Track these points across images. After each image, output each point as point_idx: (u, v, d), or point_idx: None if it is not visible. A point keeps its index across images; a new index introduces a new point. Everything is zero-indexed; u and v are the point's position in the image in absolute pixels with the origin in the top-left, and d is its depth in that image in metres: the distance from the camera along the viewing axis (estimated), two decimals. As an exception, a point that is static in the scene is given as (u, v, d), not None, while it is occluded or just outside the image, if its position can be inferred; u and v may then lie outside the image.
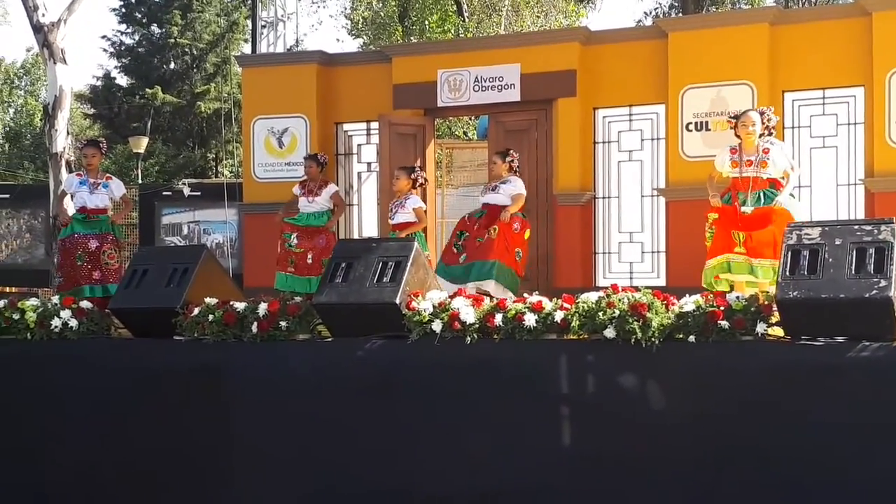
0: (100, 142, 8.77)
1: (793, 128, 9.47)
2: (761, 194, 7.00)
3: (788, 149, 7.97)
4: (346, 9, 24.74)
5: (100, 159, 8.53)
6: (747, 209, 6.94)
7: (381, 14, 23.34)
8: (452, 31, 21.12)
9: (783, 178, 7.13)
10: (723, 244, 7.03)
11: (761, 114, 7.24)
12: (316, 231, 8.94)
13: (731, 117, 7.46)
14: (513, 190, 8.29)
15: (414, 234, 8.54)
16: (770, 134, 7.29)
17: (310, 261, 8.80)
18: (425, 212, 8.96)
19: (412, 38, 21.43)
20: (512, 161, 8.46)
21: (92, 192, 8.30)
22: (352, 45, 27.51)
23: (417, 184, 8.86)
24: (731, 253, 6.98)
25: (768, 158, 7.09)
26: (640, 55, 10.03)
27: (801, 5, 26.88)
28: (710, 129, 9.60)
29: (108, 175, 8.63)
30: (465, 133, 21.43)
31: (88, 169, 8.47)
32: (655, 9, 29.88)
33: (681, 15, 25.65)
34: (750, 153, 7.14)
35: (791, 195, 7.25)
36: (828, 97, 9.47)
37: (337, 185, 10.64)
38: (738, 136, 7.29)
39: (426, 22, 21.55)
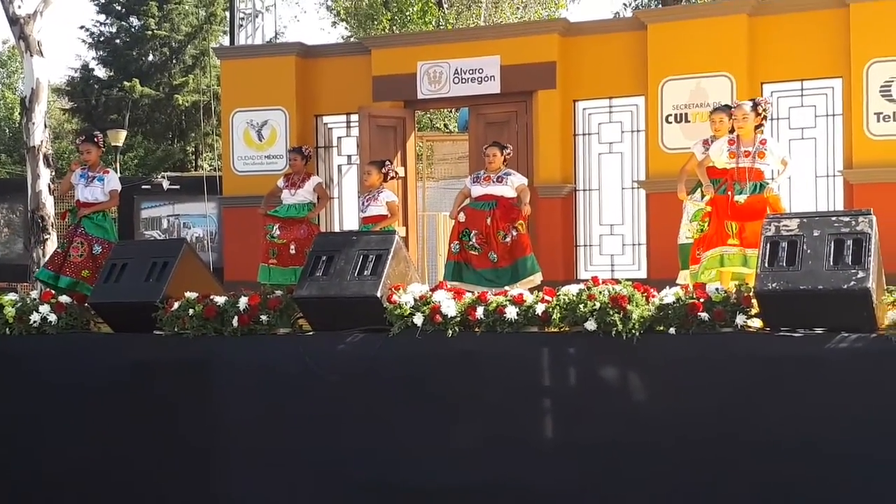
0: (94, 135, 8.71)
1: (772, 119, 9.48)
2: (756, 185, 6.97)
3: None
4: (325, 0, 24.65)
5: (98, 153, 8.44)
6: (741, 198, 6.92)
7: (364, 3, 23.26)
8: (433, 23, 21.09)
9: (781, 166, 7.12)
10: (716, 236, 6.99)
11: (755, 105, 7.17)
12: (297, 222, 8.95)
13: (726, 106, 7.55)
14: (519, 181, 8.32)
15: (387, 228, 8.53)
16: (765, 120, 7.28)
17: (293, 251, 8.80)
18: (398, 206, 8.95)
19: (394, 28, 21.38)
20: (509, 154, 8.52)
21: (87, 186, 8.29)
22: (334, 34, 27.44)
23: (388, 178, 8.85)
24: (724, 245, 6.92)
25: (766, 149, 7.06)
26: (619, 47, 10.05)
27: (779, -3, 26.92)
28: (689, 121, 9.63)
29: (105, 169, 8.57)
30: (445, 125, 21.42)
31: (87, 163, 8.43)
32: (634, 0, 29.90)
33: (660, 6, 25.68)
34: (748, 144, 7.09)
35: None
36: (806, 88, 9.51)
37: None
38: (733, 128, 7.26)
39: (407, 13, 21.51)
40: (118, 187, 8.46)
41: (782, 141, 9.45)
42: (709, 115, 7.99)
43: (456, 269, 8.09)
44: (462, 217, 8.26)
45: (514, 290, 5.79)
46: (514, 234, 8.13)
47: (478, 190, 8.33)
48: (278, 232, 8.88)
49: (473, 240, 8.11)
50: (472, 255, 8.11)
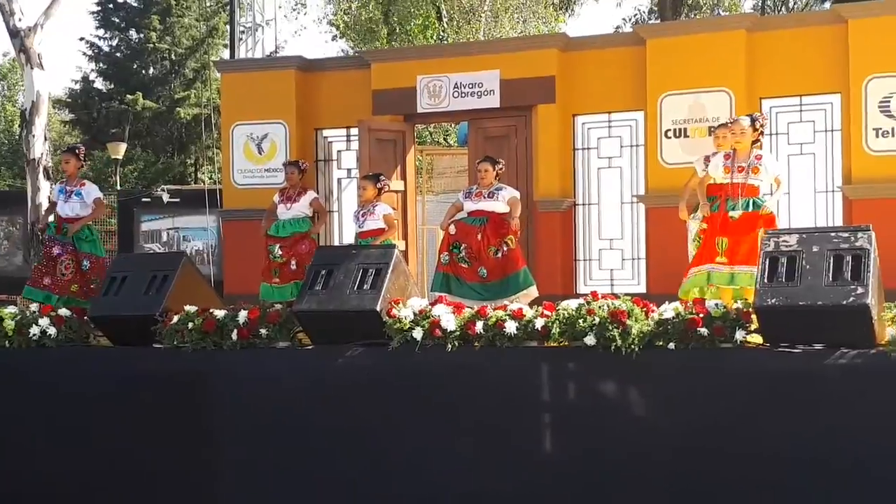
0: (76, 148, 8.66)
1: (770, 134, 9.52)
2: (750, 201, 6.94)
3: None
4: (326, 14, 24.73)
5: (76, 165, 8.38)
6: (735, 214, 6.89)
7: (363, 18, 23.32)
8: (434, 38, 21.15)
9: (774, 184, 7.08)
10: (706, 254, 6.95)
11: (753, 120, 7.13)
12: (298, 238, 8.88)
13: (724, 124, 7.45)
14: (510, 195, 8.23)
15: (386, 241, 8.48)
16: (762, 136, 7.24)
17: (293, 267, 8.73)
18: (395, 219, 8.91)
19: (395, 42, 21.44)
20: (501, 169, 8.45)
21: (66, 201, 8.24)
22: (335, 48, 27.49)
23: (382, 192, 8.82)
24: (711, 263, 6.88)
25: (761, 165, 7.02)
26: (618, 62, 10.07)
27: (778, 12, 27.07)
28: (688, 136, 9.64)
29: (83, 181, 8.50)
30: (445, 139, 21.44)
31: (65, 173, 8.39)
32: (634, 15, 29.99)
33: (659, 21, 25.76)
34: (743, 159, 7.06)
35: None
36: (805, 104, 9.53)
37: (317, 191, 10.64)
38: (731, 144, 7.26)
39: (408, 27, 21.57)
40: (100, 195, 8.41)
41: (781, 156, 9.48)
42: (713, 131, 8.00)
43: (444, 280, 8.02)
44: (452, 229, 8.18)
45: (514, 305, 5.79)
46: (505, 249, 8.05)
47: (469, 205, 8.27)
48: (280, 251, 8.80)
49: (463, 253, 8.04)
50: (462, 268, 8.03)
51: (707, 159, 7.91)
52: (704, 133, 9.30)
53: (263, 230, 9.04)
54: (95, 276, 8.09)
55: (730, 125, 7.23)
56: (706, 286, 6.82)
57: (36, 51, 9.66)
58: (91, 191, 8.36)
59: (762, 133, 7.21)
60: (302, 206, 9.00)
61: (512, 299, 7.56)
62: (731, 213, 6.88)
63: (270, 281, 8.79)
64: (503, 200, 8.18)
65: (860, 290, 4.89)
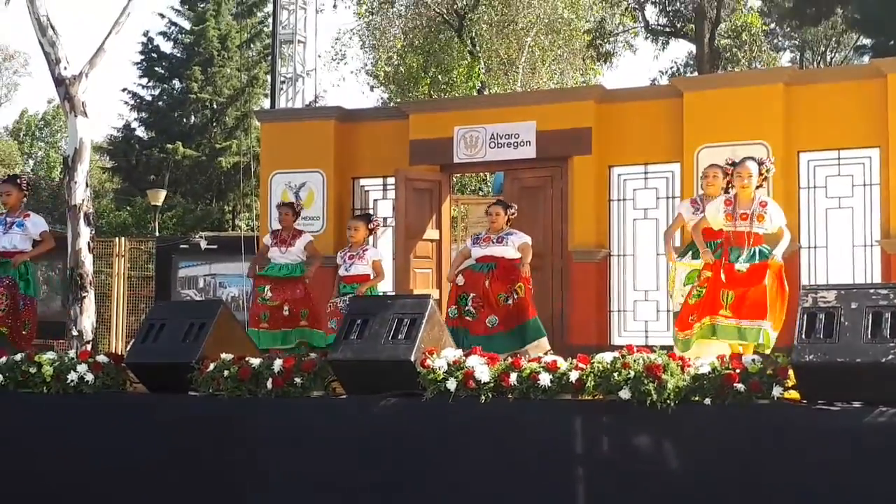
0: (17, 177, 8.36)
1: (808, 188, 9.49)
2: (756, 251, 6.55)
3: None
4: (366, 65, 25.04)
5: (18, 197, 8.05)
6: (742, 266, 6.48)
7: (402, 69, 23.59)
8: (477, 87, 21.32)
9: (779, 233, 6.68)
10: (710, 304, 6.55)
11: (759, 164, 6.73)
12: (292, 281, 8.59)
13: (728, 164, 7.01)
14: (521, 240, 8.05)
15: (371, 289, 8.24)
16: (766, 181, 6.90)
17: (286, 313, 8.47)
18: (382, 265, 8.57)
19: (434, 92, 21.64)
20: (513, 214, 8.28)
21: (4, 233, 7.96)
22: (373, 98, 27.78)
23: (374, 233, 8.58)
24: (716, 315, 6.50)
25: (766, 213, 6.61)
26: (655, 113, 10.10)
27: (816, 66, 27.03)
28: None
29: (27, 213, 8.19)
30: (480, 189, 21.52)
31: (5, 207, 8.07)
32: (671, 68, 30.11)
33: (696, 74, 25.80)
34: (745, 206, 6.64)
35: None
36: (843, 158, 9.49)
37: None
38: (731, 186, 6.93)
39: (452, 74, 21.78)
40: (46, 228, 8.12)
41: (819, 209, 9.43)
42: (703, 172, 7.84)
43: (453, 335, 7.42)
44: (461, 280, 7.99)
45: (548, 357, 5.75)
46: (515, 297, 7.87)
47: (477, 251, 8.08)
48: (270, 294, 8.50)
49: (470, 304, 7.82)
50: (469, 322, 7.81)
51: (694, 202, 7.75)
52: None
53: (252, 271, 8.77)
54: (28, 318, 7.86)
55: (736, 168, 6.74)
56: (710, 339, 6.50)
57: (80, 99, 9.79)
58: (37, 223, 8.06)
59: (766, 178, 6.83)
60: (297, 251, 8.73)
61: (521, 352, 7.39)
62: (737, 267, 6.50)
63: (258, 326, 8.46)
64: (513, 246, 8.01)
65: (900, 348, 4.83)
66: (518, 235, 8.15)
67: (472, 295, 7.88)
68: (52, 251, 8.40)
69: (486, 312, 7.85)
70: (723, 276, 6.56)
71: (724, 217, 6.69)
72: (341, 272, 8.46)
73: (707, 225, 6.95)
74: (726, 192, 7.28)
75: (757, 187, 6.71)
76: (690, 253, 7.50)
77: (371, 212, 9.03)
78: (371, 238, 8.91)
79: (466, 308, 7.87)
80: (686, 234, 8.07)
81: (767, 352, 6.23)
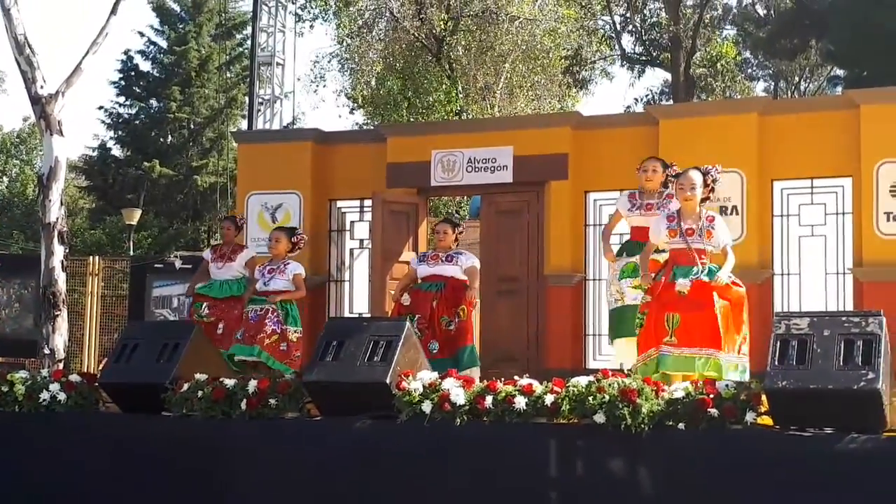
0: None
1: (782, 216, 9.56)
2: (703, 270, 5.99)
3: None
4: (344, 87, 25.11)
5: None
6: (684, 288, 5.93)
7: (382, 92, 23.66)
8: (455, 111, 21.40)
9: (722, 253, 6.17)
10: (653, 335, 6.01)
11: (705, 174, 6.23)
12: (231, 301, 8.36)
13: (671, 176, 6.57)
14: (470, 263, 7.88)
15: (288, 303, 7.94)
16: (712, 192, 6.40)
17: (220, 331, 8.21)
18: (305, 280, 8.33)
19: (413, 116, 21.71)
20: (461, 233, 8.11)
21: None
22: (351, 120, 27.84)
23: (297, 247, 8.32)
24: (661, 345, 5.95)
25: (714, 228, 6.12)
26: (631, 140, 10.13)
27: (790, 96, 27.32)
28: (700, 216, 9.66)
29: None
30: (456, 212, 21.56)
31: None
32: (646, 95, 30.37)
33: (671, 102, 26.04)
34: (691, 220, 6.13)
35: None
36: (816, 187, 9.57)
37: (329, 261, 10.69)
38: (670, 186, 6.56)
39: (430, 99, 21.85)
40: None
41: (792, 237, 9.50)
42: (642, 166, 7.48)
43: None
44: (406, 300, 7.80)
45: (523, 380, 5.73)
46: (458, 319, 7.70)
47: (424, 270, 7.92)
48: (207, 310, 8.33)
49: (415, 325, 7.43)
50: None
51: (632, 197, 7.39)
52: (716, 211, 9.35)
53: (191, 289, 8.59)
54: None
55: (678, 179, 6.23)
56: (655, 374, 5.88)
57: (56, 118, 9.77)
58: None
59: (713, 190, 6.35)
60: (238, 266, 8.57)
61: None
62: (678, 289, 5.95)
63: None
64: (462, 266, 7.87)
65: (871, 375, 4.90)
66: (467, 256, 8.00)
67: (417, 316, 7.65)
68: None
69: (429, 336, 7.63)
70: (666, 301, 6.00)
71: (668, 233, 6.19)
72: (259, 286, 8.08)
73: (653, 255, 6.44)
74: (665, 186, 7.02)
75: (704, 199, 6.28)
76: (625, 252, 7.25)
77: (298, 231, 8.79)
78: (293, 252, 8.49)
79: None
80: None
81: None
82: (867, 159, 9.16)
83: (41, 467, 6.34)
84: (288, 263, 8.17)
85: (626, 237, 7.87)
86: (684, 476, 5.11)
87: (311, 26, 22.75)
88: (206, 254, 8.85)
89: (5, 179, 40.31)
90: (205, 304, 8.42)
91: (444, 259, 7.93)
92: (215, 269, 8.61)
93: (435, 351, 7.56)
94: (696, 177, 6.20)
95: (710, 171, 6.30)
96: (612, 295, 7.39)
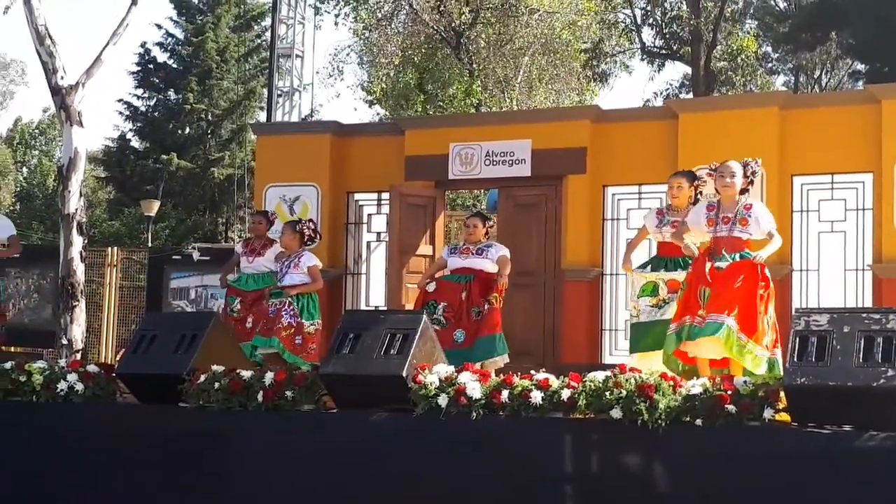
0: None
1: (801, 211, 9.51)
2: (736, 256, 6.17)
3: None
4: (362, 81, 25.11)
5: None
6: (723, 264, 6.11)
7: (399, 86, 23.65)
8: (475, 104, 21.37)
9: (767, 238, 6.26)
10: (686, 307, 6.23)
11: (744, 165, 6.35)
12: (260, 295, 8.34)
13: (710, 170, 6.67)
14: (500, 253, 7.92)
15: (309, 296, 7.96)
16: (751, 185, 6.47)
17: (248, 325, 8.23)
18: (320, 270, 8.31)
19: (430, 109, 21.68)
20: (491, 226, 8.17)
21: None
22: (368, 113, 27.85)
23: (306, 237, 8.26)
24: (692, 315, 6.14)
25: (750, 216, 6.22)
26: (650, 135, 10.11)
27: (810, 90, 27.16)
28: (718, 210, 9.62)
29: None
30: (474, 205, 21.54)
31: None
32: (666, 89, 30.26)
33: (691, 96, 25.92)
34: (729, 209, 6.27)
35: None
36: (836, 182, 9.52)
37: (346, 254, 10.69)
38: (700, 194, 6.73)
39: (449, 91, 21.82)
40: (13, 231, 8.07)
41: (811, 233, 9.44)
42: (668, 182, 7.52)
43: None
44: (432, 287, 7.83)
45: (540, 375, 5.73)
46: (486, 308, 7.73)
47: (455, 262, 7.93)
48: (239, 306, 8.39)
49: (440, 312, 7.60)
50: (436, 331, 7.51)
51: (660, 213, 7.45)
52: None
53: (222, 281, 8.65)
54: None
55: (717, 169, 6.36)
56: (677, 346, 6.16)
57: (76, 109, 9.81)
58: (5, 227, 8.10)
59: (752, 182, 6.43)
60: (266, 261, 8.56)
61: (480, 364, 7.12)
62: (717, 264, 6.14)
63: None
64: (492, 258, 7.89)
65: (891, 373, 4.85)
66: (497, 248, 8.05)
67: (443, 304, 7.70)
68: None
69: (455, 326, 7.68)
70: (707, 273, 6.18)
71: (707, 223, 6.34)
72: (278, 282, 8.12)
73: (686, 235, 6.55)
74: (695, 203, 7.12)
75: (743, 191, 6.38)
76: (650, 266, 7.33)
77: (300, 218, 8.82)
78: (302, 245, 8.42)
79: (435, 316, 7.60)
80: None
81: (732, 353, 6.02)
82: (888, 155, 9.10)
83: (58, 457, 6.36)
84: (302, 255, 8.16)
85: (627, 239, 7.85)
86: (701, 472, 5.08)
87: (335, 22, 22.63)
88: (238, 247, 8.89)
89: (25, 170, 40.53)
90: (237, 300, 8.47)
91: (474, 252, 7.94)
92: (246, 263, 8.66)
93: (460, 340, 7.59)
94: (736, 166, 6.32)
95: (749, 163, 6.39)
96: (630, 310, 7.51)
